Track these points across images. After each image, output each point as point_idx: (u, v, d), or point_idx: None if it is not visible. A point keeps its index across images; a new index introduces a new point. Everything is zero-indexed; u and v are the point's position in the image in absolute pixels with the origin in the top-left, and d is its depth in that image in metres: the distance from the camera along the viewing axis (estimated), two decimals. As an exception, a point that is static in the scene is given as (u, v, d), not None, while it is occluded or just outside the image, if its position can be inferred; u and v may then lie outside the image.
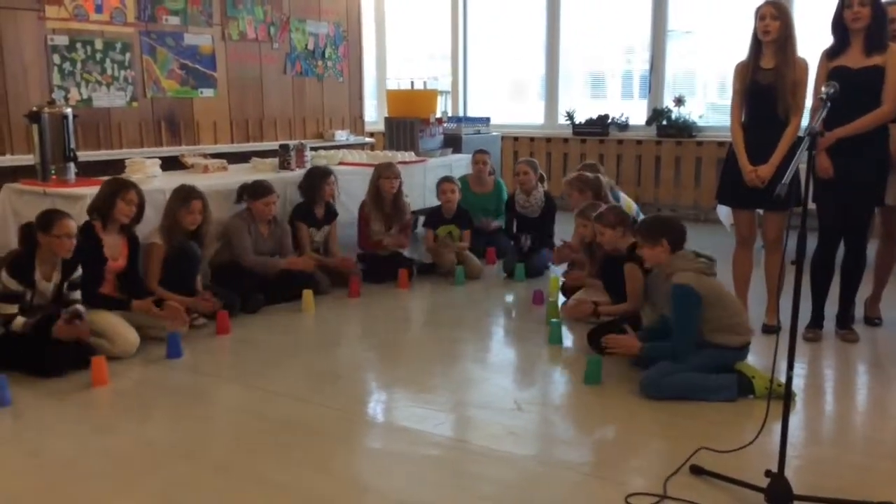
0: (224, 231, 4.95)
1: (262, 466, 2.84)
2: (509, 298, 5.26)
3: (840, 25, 4.05)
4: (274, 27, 7.29)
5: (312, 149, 6.23)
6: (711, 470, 2.70)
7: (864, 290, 4.46)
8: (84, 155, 5.22)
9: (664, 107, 8.18)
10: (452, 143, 7.40)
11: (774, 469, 2.47)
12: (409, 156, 6.69)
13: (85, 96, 5.87)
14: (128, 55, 6.12)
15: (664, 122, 8.14)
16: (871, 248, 4.51)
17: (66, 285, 3.84)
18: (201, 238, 4.61)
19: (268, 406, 3.41)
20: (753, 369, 3.47)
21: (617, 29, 8.75)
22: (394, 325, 4.66)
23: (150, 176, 5.03)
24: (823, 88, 2.79)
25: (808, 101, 4.14)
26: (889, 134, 4.12)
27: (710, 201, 7.59)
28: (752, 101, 4.22)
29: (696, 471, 2.72)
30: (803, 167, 2.62)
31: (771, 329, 4.26)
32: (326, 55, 7.88)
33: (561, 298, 4.94)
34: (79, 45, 5.80)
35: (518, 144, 8.93)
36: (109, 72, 6.01)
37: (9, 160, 5.36)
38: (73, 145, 4.84)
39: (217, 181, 5.21)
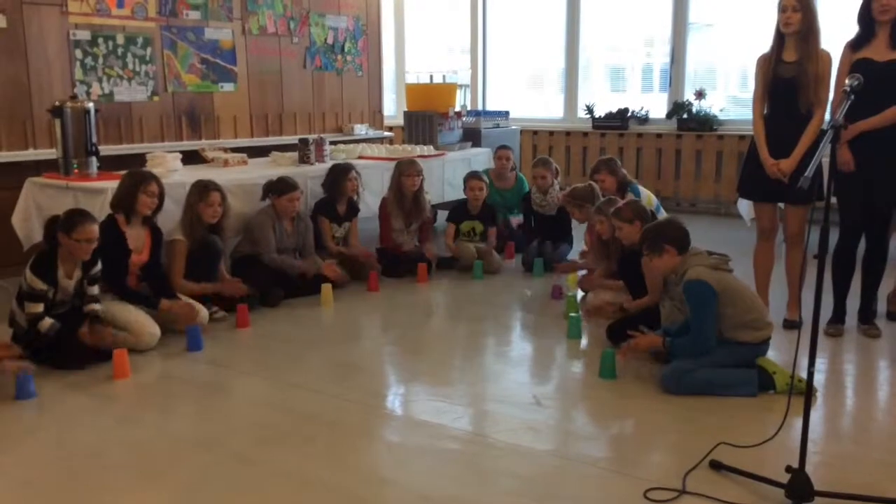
0: (247, 226, 4.99)
1: (283, 459, 2.86)
2: (528, 293, 5.25)
3: (866, 17, 4.00)
4: (294, 21, 7.31)
5: (332, 143, 6.24)
6: (731, 465, 2.69)
7: (886, 285, 4.42)
8: (105, 149, 5.26)
9: (685, 100, 8.12)
10: (471, 136, 7.39)
11: (795, 465, 2.46)
12: (427, 149, 6.70)
13: (106, 91, 5.92)
14: (149, 50, 6.15)
15: (685, 116, 8.08)
16: (894, 243, 4.46)
17: (85, 281, 3.88)
18: (221, 231, 4.64)
19: (288, 399, 3.44)
20: (774, 365, 3.45)
21: (637, 22, 8.69)
22: (413, 320, 4.67)
23: (171, 170, 5.06)
24: (847, 80, 2.75)
25: (832, 95, 4.10)
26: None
27: (730, 195, 7.53)
28: (774, 94, 4.18)
29: (716, 466, 2.71)
30: (826, 161, 2.60)
31: (792, 324, 4.23)
32: (346, 49, 7.89)
33: (579, 294, 4.93)
34: (101, 40, 5.84)
35: (537, 138, 8.91)
36: (131, 66, 6.05)
37: (32, 154, 5.41)
38: (94, 139, 4.88)
39: (237, 175, 5.24)
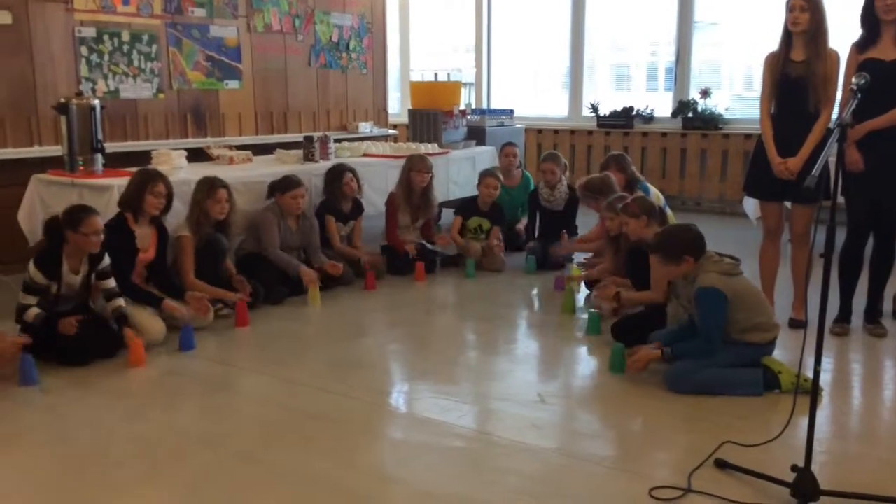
0: (252, 223, 4.99)
1: (286, 456, 2.86)
2: (531, 290, 5.24)
3: (870, 17, 3.99)
4: (299, 19, 7.31)
5: (336, 140, 6.24)
6: (736, 464, 2.68)
7: (893, 285, 4.40)
8: (111, 146, 5.26)
9: (690, 99, 8.10)
10: (476, 135, 7.37)
11: (801, 464, 2.45)
12: (432, 147, 6.68)
13: (112, 88, 5.92)
14: (154, 47, 6.16)
15: (690, 115, 8.06)
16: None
17: (94, 276, 3.89)
18: (227, 228, 4.64)
19: (292, 396, 3.44)
20: (780, 364, 3.44)
21: (642, 20, 8.67)
22: (416, 317, 4.67)
23: (176, 167, 5.07)
24: (854, 79, 2.75)
25: (840, 94, 4.09)
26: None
27: (735, 194, 7.52)
28: (781, 93, 4.17)
29: (721, 465, 2.71)
30: (833, 160, 2.59)
31: (798, 323, 4.22)
32: (351, 47, 7.89)
33: (583, 290, 4.93)
34: (106, 37, 5.85)
35: (542, 137, 8.90)
36: (136, 63, 6.05)
37: (37, 151, 5.42)
38: (100, 136, 4.88)
39: (242, 172, 5.24)
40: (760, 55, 4.27)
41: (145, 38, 6.09)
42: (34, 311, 3.72)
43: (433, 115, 7.11)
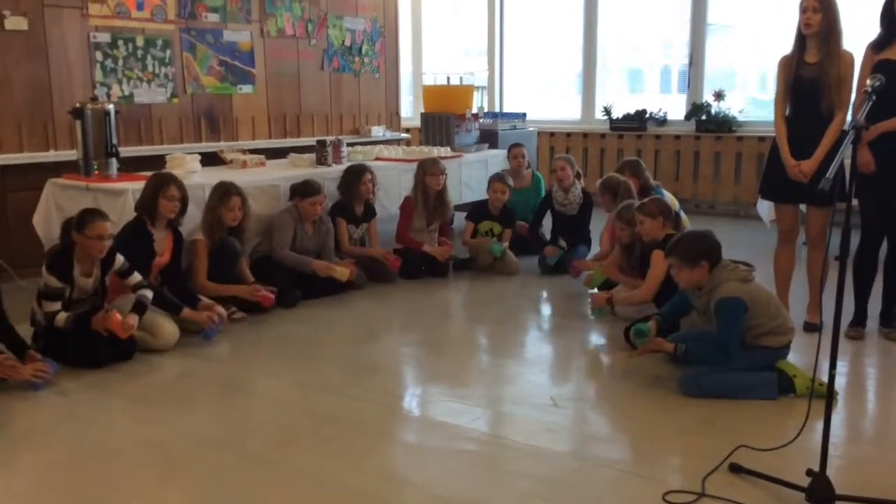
0: (268, 225, 5.01)
1: (300, 459, 2.87)
2: (544, 294, 5.24)
3: (889, 16, 3.97)
4: (311, 23, 7.34)
5: (349, 144, 6.26)
6: (751, 468, 2.67)
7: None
8: (125, 150, 5.29)
9: (703, 101, 8.08)
10: (488, 138, 7.38)
11: (816, 468, 2.44)
12: (444, 151, 6.69)
13: (126, 93, 5.96)
14: (168, 52, 6.20)
15: (703, 117, 8.04)
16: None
17: (117, 275, 3.91)
18: (241, 233, 4.66)
19: (306, 399, 3.45)
20: (795, 368, 3.42)
21: (655, 23, 8.65)
22: (430, 320, 4.67)
23: (190, 171, 5.10)
24: (868, 81, 2.73)
25: (854, 96, 4.06)
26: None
27: (750, 197, 7.49)
28: (795, 95, 4.15)
29: (736, 469, 2.69)
30: (848, 162, 2.57)
31: (813, 327, 4.20)
32: (363, 51, 7.91)
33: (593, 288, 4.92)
34: (121, 43, 5.89)
35: (554, 140, 8.88)
36: (150, 68, 6.10)
37: (52, 156, 5.46)
38: (115, 141, 4.92)
39: (255, 176, 5.26)
40: (774, 57, 4.25)
41: (159, 43, 6.13)
42: (63, 315, 3.73)
43: (446, 118, 7.12)
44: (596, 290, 4.83)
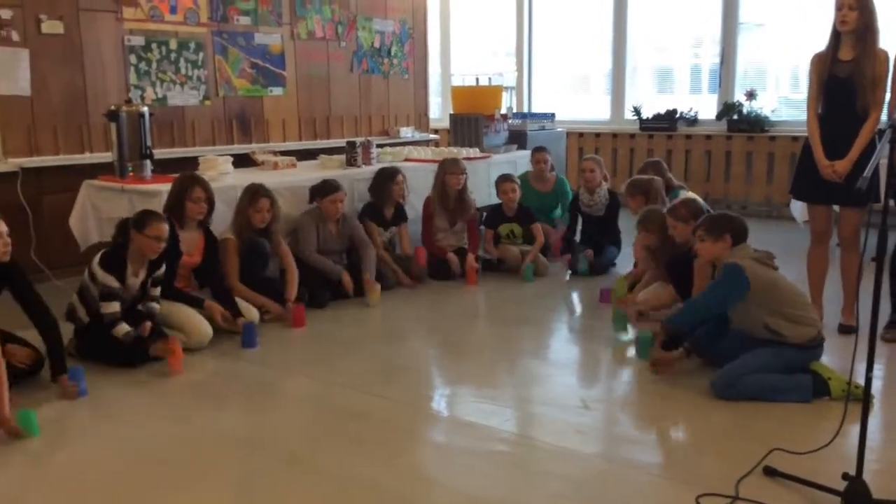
0: (293, 227, 5.04)
1: (331, 458, 2.89)
2: (574, 295, 5.22)
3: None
4: (341, 26, 7.38)
5: (378, 146, 6.29)
6: (786, 472, 2.64)
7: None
8: (159, 152, 5.35)
9: (735, 101, 7.99)
10: (517, 139, 7.37)
11: (852, 472, 2.40)
12: (473, 152, 6.69)
13: (160, 95, 6.04)
14: (201, 55, 6.27)
15: (735, 117, 7.95)
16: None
17: (150, 281, 3.97)
18: (271, 235, 4.70)
19: (337, 398, 3.47)
20: (830, 370, 3.38)
21: (685, 22, 8.58)
22: (458, 321, 4.68)
23: (222, 173, 5.15)
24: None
25: (889, 95, 4.00)
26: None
27: (782, 198, 7.40)
28: (829, 93, 4.10)
29: (770, 472, 2.66)
30: (884, 162, 2.53)
31: (848, 329, 4.14)
32: (392, 53, 7.94)
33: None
34: (154, 46, 5.97)
35: (583, 140, 8.84)
36: (183, 71, 6.17)
37: (88, 158, 5.55)
38: (149, 143, 4.99)
39: (286, 178, 5.30)
40: (807, 56, 4.20)
41: (192, 45, 6.21)
42: (124, 328, 3.77)
43: (474, 119, 7.12)
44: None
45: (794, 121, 7.62)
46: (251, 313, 4.35)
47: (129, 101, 5.22)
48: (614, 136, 8.70)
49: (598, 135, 8.79)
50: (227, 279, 4.49)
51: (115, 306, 3.77)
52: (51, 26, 5.37)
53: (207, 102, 6.37)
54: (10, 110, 5.25)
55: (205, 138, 6.37)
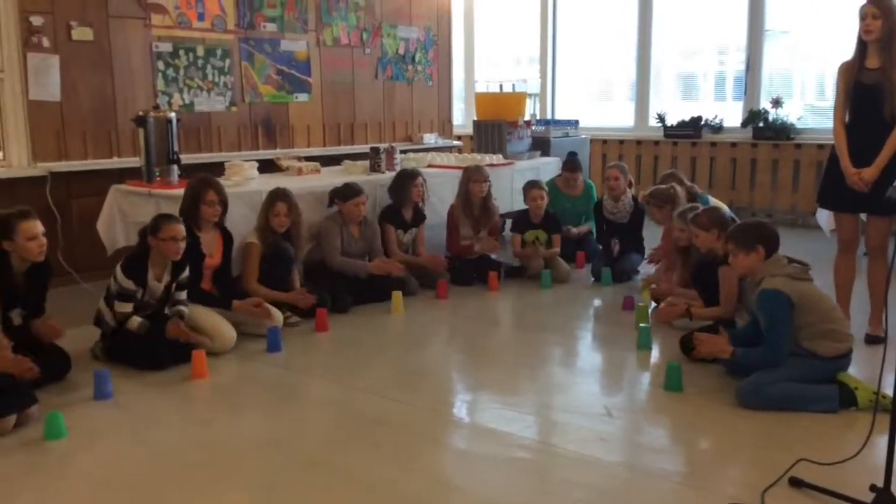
0: (316, 232, 5.07)
1: (352, 462, 2.90)
2: (597, 303, 5.20)
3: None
4: (366, 33, 7.43)
5: (402, 151, 6.31)
6: (812, 482, 2.61)
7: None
8: (185, 157, 5.40)
9: (761, 108, 7.94)
10: (540, 145, 7.37)
11: (880, 484, 2.38)
12: (497, 158, 6.70)
13: (187, 101, 6.11)
14: (227, 61, 6.33)
15: (760, 125, 7.90)
16: None
17: (174, 286, 4.01)
18: (295, 239, 4.73)
19: (358, 403, 3.48)
20: (856, 380, 3.34)
21: (709, 29, 8.54)
22: (481, 327, 4.68)
23: (247, 178, 5.20)
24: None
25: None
26: None
27: (808, 206, 7.33)
28: (856, 101, 4.07)
29: (796, 483, 2.63)
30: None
31: (875, 339, 4.09)
32: (416, 59, 7.97)
33: (651, 304, 4.85)
34: (182, 52, 6.04)
35: (607, 147, 8.82)
36: (210, 77, 6.24)
37: (116, 162, 5.62)
38: (176, 148, 5.04)
39: (310, 183, 5.34)
40: (833, 63, 4.17)
41: (219, 52, 6.27)
42: (137, 320, 3.85)
43: (498, 125, 7.13)
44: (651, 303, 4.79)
45: (820, 128, 7.55)
46: (276, 317, 4.37)
47: (156, 107, 5.29)
48: (638, 143, 8.67)
49: (621, 142, 8.76)
50: (245, 283, 4.52)
51: (127, 307, 3.84)
52: (81, 33, 5.46)
53: (234, 108, 6.43)
54: (40, 115, 5.34)
55: (231, 144, 6.44)
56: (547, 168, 6.96)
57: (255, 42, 6.52)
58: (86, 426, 3.25)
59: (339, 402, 3.51)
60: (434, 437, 3.18)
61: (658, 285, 4.78)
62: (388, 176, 5.69)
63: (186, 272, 4.04)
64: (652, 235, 5.93)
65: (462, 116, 9.87)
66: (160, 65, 5.92)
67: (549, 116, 9.32)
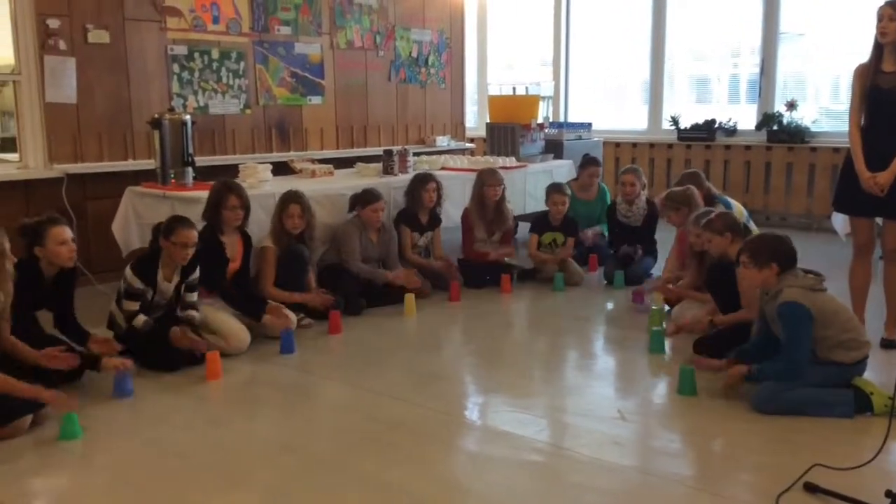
0: (334, 235, 5.09)
1: (364, 464, 2.90)
2: (609, 306, 5.19)
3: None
4: (380, 35, 7.45)
5: (415, 154, 6.32)
6: (827, 488, 2.59)
7: None
8: (200, 160, 5.43)
9: (775, 111, 7.90)
10: (553, 148, 7.36)
11: (895, 490, 2.36)
12: (509, 161, 6.71)
13: (202, 104, 6.14)
14: (242, 64, 6.36)
15: (775, 128, 7.86)
16: None
17: (183, 287, 4.03)
18: (309, 241, 4.75)
19: (371, 405, 3.48)
20: (872, 385, 3.32)
21: (723, 32, 8.52)
22: (494, 330, 4.68)
23: (261, 180, 5.22)
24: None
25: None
26: None
27: (823, 210, 7.29)
28: (872, 105, 4.04)
29: (811, 488, 2.62)
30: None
31: (891, 343, 4.07)
32: (430, 62, 7.99)
33: (664, 307, 4.84)
34: (196, 55, 6.07)
35: (620, 150, 8.80)
36: (224, 80, 6.27)
37: (131, 164, 5.66)
38: (191, 150, 5.07)
39: (323, 186, 5.36)
40: (848, 66, 4.15)
41: (233, 55, 6.30)
42: (142, 318, 3.88)
43: (511, 128, 7.13)
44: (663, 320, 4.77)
45: (835, 132, 7.51)
46: (292, 321, 4.39)
47: (171, 110, 5.32)
48: (651, 145, 8.64)
49: (634, 144, 8.74)
50: (261, 286, 4.55)
51: (134, 305, 3.87)
52: (97, 36, 5.50)
53: (248, 111, 6.46)
54: (56, 117, 5.38)
55: (245, 146, 6.46)
56: (560, 171, 6.96)
57: (270, 45, 6.55)
58: (98, 425, 3.27)
59: (352, 405, 3.52)
60: (447, 439, 3.18)
61: (667, 285, 4.76)
62: (401, 178, 5.70)
63: (197, 273, 4.05)
64: (664, 238, 5.91)
65: (475, 119, 9.87)
66: (175, 67, 5.95)
67: (562, 119, 9.30)
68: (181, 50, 5.98)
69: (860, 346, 3.36)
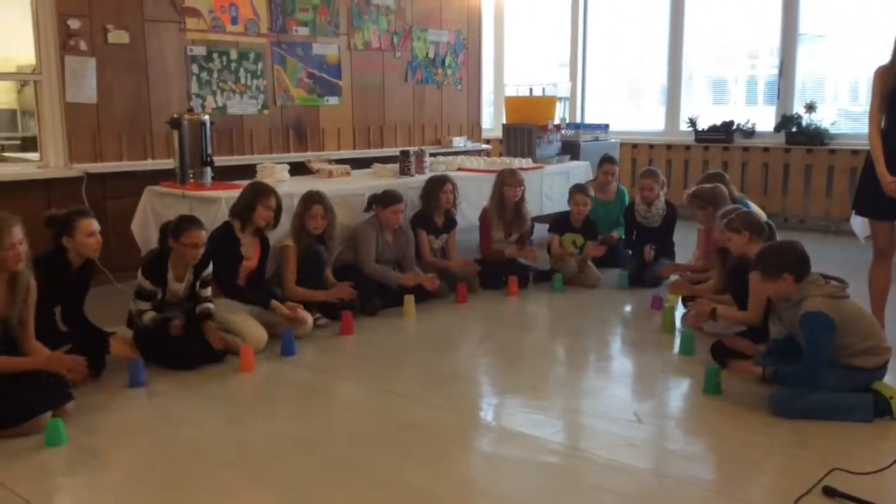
0: (352, 235, 5.10)
1: (379, 464, 2.91)
2: (626, 307, 5.18)
3: None
4: (397, 36, 7.46)
5: (431, 155, 6.33)
6: (846, 492, 2.58)
7: None
8: (218, 160, 5.45)
9: (794, 113, 7.85)
10: (570, 149, 7.34)
11: (916, 495, 2.34)
12: (526, 162, 6.70)
13: (220, 104, 6.17)
14: (260, 65, 6.39)
15: (794, 129, 7.80)
16: None
17: (198, 283, 4.06)
18: (328, 241, 4.77)
19: (386, 405, 3.49)
20: (892, 389, 3.29)
21: (742, 33, 8.48)
22: (509, 331, 4.67)
23: (279, 181, 5.23)
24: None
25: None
26: None
27: (842, 212, 7.23)
28: (892, 107, 4.01)
29: (830, 492, 2.60)
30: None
31: (911, 348, 4.02)
32: (446, 63, 7.99)
33: (681, 308, 4.82)
34: (215, 56, 6.11)
35: (637, 151, 8.77)
36: (243, 81, 6.30)
37: (150, 164, 5.70)
38: (209, 150, 5.10)
39: (340, 186, 5.37)
40: (867, 68, 4.12)
41: (252, 56, 6.33)
42: (150, 314, 3.92)
43: (527, 129, 7.13)
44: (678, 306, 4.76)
45: (854, 134, 7.45)
46: (308, 323, 4.41)
47: (190, 110, 5.35)
48: (668, 147, 8.61)
49: (652, 146, 8.71)
50: (284, 285, 4.58)
51: (145, 305, 3.92)
52: (117, 36, 5.54)
53: (265, 111, 6.49)
54: (76, 117, 5.43)
55: (262, 146, 6.49)
56: (576, 172, 6.94)
57: (288, 45, 6.58)
58: (116, 423, 3.30)
59: (367, 405, 3.53)
60: (462, 440, 3.18)
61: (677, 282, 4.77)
62: (418, 179, 5.71)
63: (210, 268, 4.07)
64: (682, 240, 5.89)
65: (491, 120, 9.87)
66: (194, 68, 5.99)
67: (578, 120, 9.27)
68: (200, 50, 6.01)
69: (882, 351, 3.34)
